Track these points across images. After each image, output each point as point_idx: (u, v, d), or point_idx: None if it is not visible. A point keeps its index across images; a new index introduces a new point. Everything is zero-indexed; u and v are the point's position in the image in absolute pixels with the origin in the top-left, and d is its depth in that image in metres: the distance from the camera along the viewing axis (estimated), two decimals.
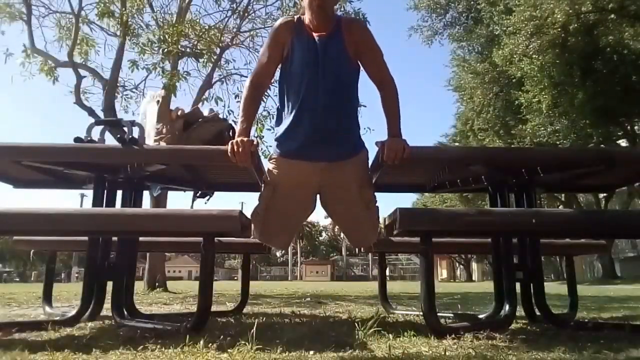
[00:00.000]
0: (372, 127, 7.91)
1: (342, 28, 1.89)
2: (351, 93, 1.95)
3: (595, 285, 15.71)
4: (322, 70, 1.83)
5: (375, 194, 2.01)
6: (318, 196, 2.02)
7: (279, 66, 1.96)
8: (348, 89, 1.93)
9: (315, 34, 1.87)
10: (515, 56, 15.74)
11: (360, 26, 2.02)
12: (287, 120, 1.88)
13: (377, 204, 2.03)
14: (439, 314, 1.96)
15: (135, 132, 2.20)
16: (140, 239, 2.49)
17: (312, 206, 2.08)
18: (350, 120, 1.93)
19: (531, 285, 2.23)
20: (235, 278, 40.49)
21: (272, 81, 2.33)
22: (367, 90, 1.98)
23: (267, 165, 2.00)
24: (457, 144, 23.82)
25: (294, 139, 1.87)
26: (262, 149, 8.23)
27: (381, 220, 2.07)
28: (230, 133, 3.02)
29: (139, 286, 7.17)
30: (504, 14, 16.34)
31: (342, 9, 8.71)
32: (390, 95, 1.93)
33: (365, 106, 8.18)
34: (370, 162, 2.02)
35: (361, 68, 1.96)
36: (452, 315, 2.73)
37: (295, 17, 1.95)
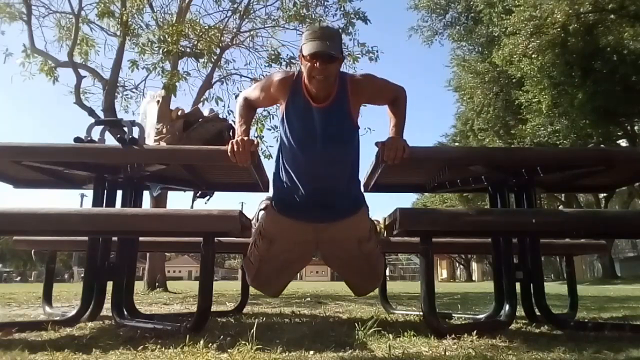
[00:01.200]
0: (372, 128, 7.92)
1: (347, 91, 1.78)
2: (352, 154, 1.87)
3: (595, 285, 15.70)
4: (321, 142, 1.76)
5: (377, 194, 2.01)
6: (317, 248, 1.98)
7: (279, 116, 1.92)
8: (348, 151, 1.85)
9: (314, 104, 1.75)
10: (515, 56, 15.74)
11: (367, 82, 1.86)
12: (286, 184, 1.84)
13: (382, 254, 2.01)
14: (438, 314, 1.96)
15: (135, 132, 2.20)
16: (140, 239, 2.49)
17: (309, 260, 2.06)
18: (350, 182, 1.88)
19: (531, 285, 2.23)
20: (236, 278, 40.49)
21: None
22: None
23: (264, 217, 1.94)
24: (457, 144, 23.82)
25: (292, 201, 1.83)
26: (262, 148, 8.25)
27: (381, 220, 2.07)
28: (230, 133, 3.02)
29: (139, 286, 7.17)
30: (503, 14, 16.34)
31: (342, 9, 8.70)
32: (400, 103, 1.92)
33: (365, 106, 8.19)
34: (370, 165, 2.02)
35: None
36: (452, 315, 2.72)
37: (294, 73, 1.81)
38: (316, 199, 1.81)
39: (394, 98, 1.93)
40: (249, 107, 1.95)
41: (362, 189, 1.99)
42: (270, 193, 2.01)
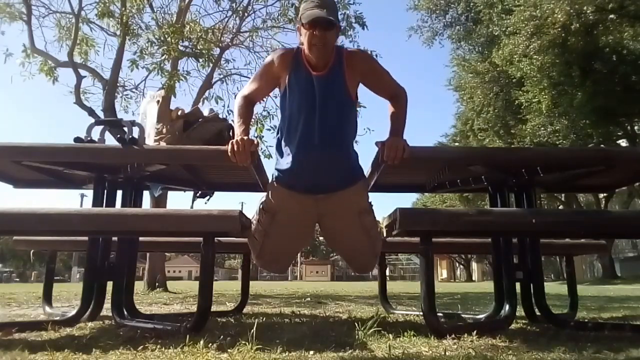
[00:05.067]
0: (371, 128, 7.92)
1: (343, 62, 1.85)
2: (349, 127, 1.93)
3: (595, 285, 15.71)
4: (320, 110, 1.82)
5: (377, 194, 2.01)
6: (317, 224, 2.02)
7: (279, 93, 1.95)
8: (346, 123, 1.90)
9: (313, 72, 1.83)
10: (515, 56, 15.74)
11: (362, 57, 1.95)
12: (286, 154, 1.89)
13: (380, 230, 2.02)
14: (438, 314, 1.96)
15: (135, 132, 2.20)
16: (140, 239, 2.49)
17: (312, 234, 2.09)
18: (348, 153, 1.92)
19: (531, 285, 2.23)
20: (236, 278, 40.48)
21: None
22: (367, 91, 1.97)
23: (266, 192, 1.98)
24: (457, 144, 23.82)
25: (292, 173, 1.87)
26: (262, 148, 8.24)
27: (381, 220, 2.07)
28: (230, 133, 3.02)
29: (139, 286, 7.17)
30: (503, 14, 16.34)
31: (342, 14, 8.69)
32: (401, 104, 1.94)
33: (365, 107, 8.18)
34: (370, 165, 2.02)
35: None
36: (452, 315, 2.73)
37: (294, 48, 1.90)
38: (315, 170, 1.85)
39: (394, 94, 1.95)
40: (248, 105, 1.97)
41: (359, 162, 2.00)
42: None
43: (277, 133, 1.99)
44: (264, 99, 8.12)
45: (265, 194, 1.98)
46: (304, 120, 1.83)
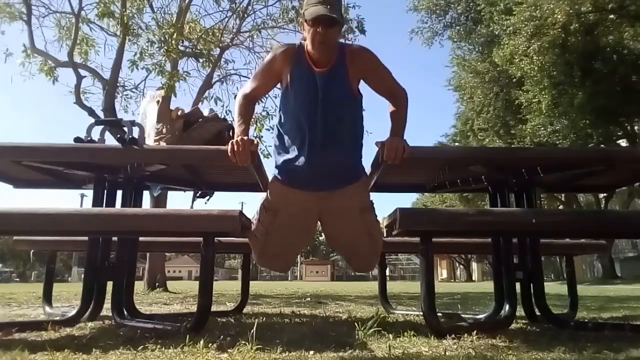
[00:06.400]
0: (370, 131, 7.91)
1: (346, 59, 1.83)
2: (352, 124, 1.91)
3: (595, 285, 15.71)
4: (322, 107, 1.80)
5: (377, 194, 2.01)
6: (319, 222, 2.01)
7: (280, 89, 1.93)
8: (349, 121, 1.89)
9: (316, 69, 1.81)
10: (515, 56, 15.74)
11: (365, 54, 1.91)
12: (287, 152, 1.87)
13: (381, 228, 2.02)
14: (438, 314, 1.96)
15: (135, 132, 2.20)
16: (140, 239, 2.49)
17: (313, 232, 2.08)
18: (350, 151, 1.91)
19: (531, 285, 2.23)
20: (236, 278, 40.48)
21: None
22: (366, 93, 1.96)
23: (268, 190, 1.97)
24: (457, 144, 23.82)
25: (294, 171, 1.86)
26: (261, 148, 8.24)
27: (381, 220, 2.07)
28: (230, 133, 3.02)
29: (139, 286, 7.17)
30: (504, 13, 16.34)
31: (345, 18, 8.68)
32: (401, 104, 1.93)
33: (364, 110, 8.18)
34: (370, 165, 2.02)
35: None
36: (452, 315, 2.73)
37: (296, 44, 1.87)
38: (317, 167, 1.83)
39: (395, 94, 1.94)
40: (249, 104, 1.96)
41: (362, 160, 1.99)
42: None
43: (277, 129, 1.96)
44: (264, 99, 8.12)
45: (266, 193, 1.98)
46: (305, 117, 1.82)
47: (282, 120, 1.92)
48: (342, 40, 1.93)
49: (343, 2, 8.25)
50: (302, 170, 1.84)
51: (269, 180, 1.99)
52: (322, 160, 1.83)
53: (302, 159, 1.83)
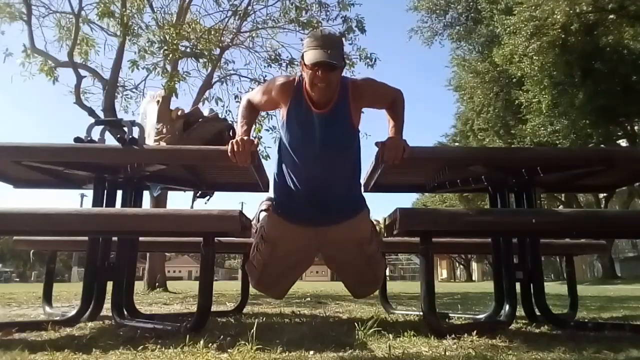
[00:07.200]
0: (369, 133, 7.90)
1: (348, 95, 1.77)
2: (351, 158, 1.88)
3: (595, 285, 15.71)
4: (321, 147, 1.78)
5: (377, 194, 2.01)
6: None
7: (279, 120, 1.94)
8: (348, 156, 1.87)
9: (315, 110, 1.75)
10: (515, 56, 15.74)
11: (369, 88, 1.87)
12: (286, 185, 1.86)
13: (382, 257, 2.02)
14: (438, 314, 1.96)
15: (135, 132, 2.20)
16: (140, 239, 2.49)
17: (311, 262, 2.07)
18: (349, 186, 1.90)
19: (531, 285, 2.23)
20: (236, 278, 40.46)
21: None
22: None
23: (266, 221, 1.95)
24: (457, 144, 23.82)
25: (292, 205, 1.86)
26: (260, 149, 8.23)
27: (381, 220, 2.07)
28: (231, 133, 3.02)
29: (139, 286, 7.17)
30: (505, 13, 16.34)
31: (344, 18, 8.66)
32: (399, 105, 1.93)
33: (363, 112, 8.18)
34: (370, 165, 2.01)
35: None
36: (452, 315, 2.72)
37: (296, 78, 1.80)
38: (316, 203, 1.82)
39: (393, 101, 1.93)
40: (252, 109, 1.96)
41: (362, 191, 2.00)
42: (271, 193, 2.02)
43: (277, 157, 1.93)
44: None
45: (266, 194, 1.99)
46: (304, 155, 1.80)
47: (282, 151, 1.89)
48: (344, 74, 1.84)
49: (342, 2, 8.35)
50: (300, 205, 1.83)
51: (267, 209, 1.97)
52: (322, 197, 1.82)
53: (300, 195, 1.82)
